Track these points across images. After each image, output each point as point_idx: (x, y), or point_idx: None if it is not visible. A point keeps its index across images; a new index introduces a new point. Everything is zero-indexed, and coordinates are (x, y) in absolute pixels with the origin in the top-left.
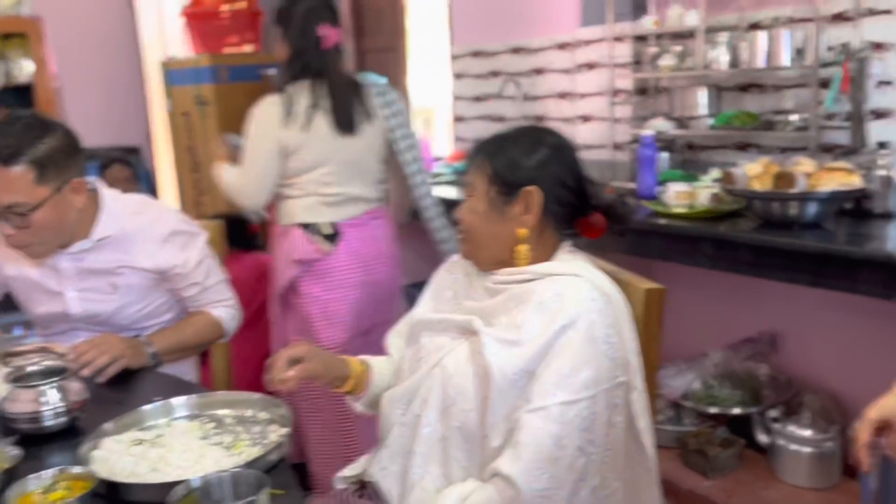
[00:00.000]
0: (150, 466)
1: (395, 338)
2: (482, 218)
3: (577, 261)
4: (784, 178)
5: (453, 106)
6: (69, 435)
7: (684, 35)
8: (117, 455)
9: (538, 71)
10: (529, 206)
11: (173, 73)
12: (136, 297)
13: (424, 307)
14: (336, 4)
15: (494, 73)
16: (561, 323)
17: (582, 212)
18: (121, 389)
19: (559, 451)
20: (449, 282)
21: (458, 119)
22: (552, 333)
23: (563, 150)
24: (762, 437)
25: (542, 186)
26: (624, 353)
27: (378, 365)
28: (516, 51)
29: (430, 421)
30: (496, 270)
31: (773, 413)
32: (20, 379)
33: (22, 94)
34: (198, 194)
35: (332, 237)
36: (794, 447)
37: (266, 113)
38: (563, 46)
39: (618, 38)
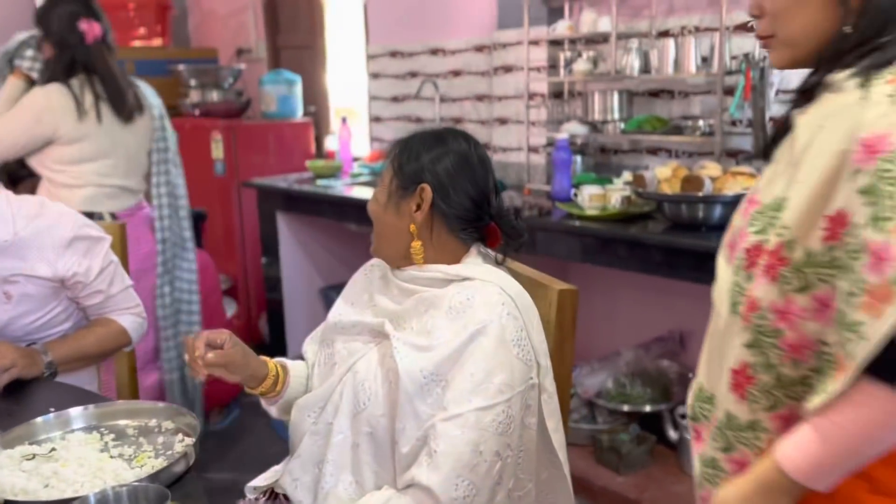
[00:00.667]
0: (42, 482)
1: (310, 343)
2: (382, 209)
3: (486, 265)
4: (692, 182)
5: (370, 106)
6: None
7: (597, 40)
8: (7, 470)
9: (455, 73)
10: (421, 203)
11: None
12: (32, 307)
13: (338, 310)
14: (96, 3)
15: (412, 74)
16: (471, 329)
17: (479, 220)
18: (11, 401)
19: (477, 457)
20: (365, 284)
21: (376, 119)
22: (463, 339)
23: (466, 155)
24: (672, 434)
25: (435, 186)
26: (534, 356)
27: (295, 368)
28: (434, 52)
29: (342, 428)
30: (405, 268)
31: (682, 409)
32: None
33: None
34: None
35: None
36: None
37: (53, 100)
38: (480, 49)
39: (533, 42)
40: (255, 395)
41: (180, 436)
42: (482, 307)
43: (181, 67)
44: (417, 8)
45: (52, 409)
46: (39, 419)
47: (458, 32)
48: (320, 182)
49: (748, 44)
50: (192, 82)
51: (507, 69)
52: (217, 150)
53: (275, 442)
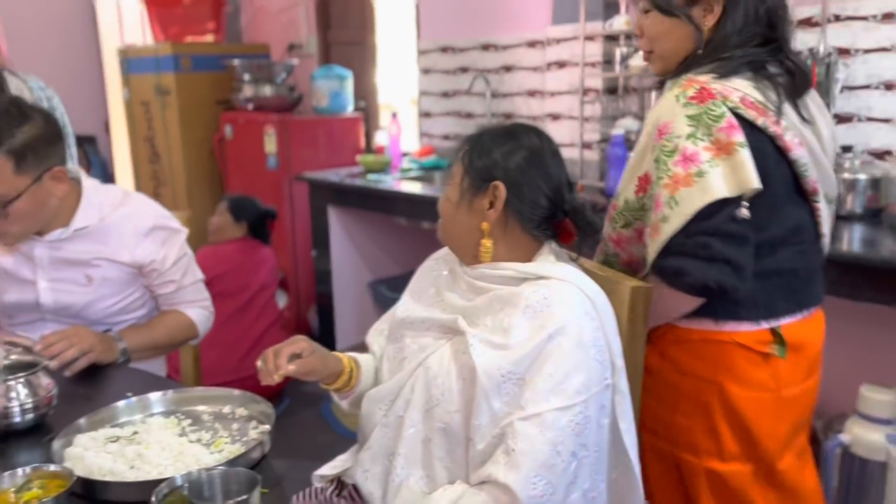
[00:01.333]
0: (127, 464)
1: (375, 336)
2: (453, 207)
3: (560, 263)
4: None
5: (420, 102)
6: (37, 431)
7: None
8: (93, 452)
9: (507, 68)
10: (494, 200)
11: (132, 62)
12: (111, 291)
13: (406, 306)
14: None
15: (463, 69)
16: (550, 329)
17: (553, 217)
18: (89, 385)
19: (555, 457)
20: (431, 279)
21: (425, 115)
22: (541, 339)
23: (539, 150)
24: None
25: (509, 183)
26: (610, 357)
27: (365, 362)
28: (486, 47)
29: (413, 422)
30: (476, 265)
31: None
32: None
33: None
34: (156, 185)
35: None
36: None
37: None
38: (533, 44)
39: (589, 37)
40: (318, 388)
41: (254, 423)
42: (560, 307)
43: (235, 62)
44: (470, 4)
45: (130, 394)
46: (121, 403)
47: (511, 28)
48: (370, 177)
49: (813, 38)
50: (246, 77)
51: (561, 64)
52: (270, 145)
53: (324, 432)
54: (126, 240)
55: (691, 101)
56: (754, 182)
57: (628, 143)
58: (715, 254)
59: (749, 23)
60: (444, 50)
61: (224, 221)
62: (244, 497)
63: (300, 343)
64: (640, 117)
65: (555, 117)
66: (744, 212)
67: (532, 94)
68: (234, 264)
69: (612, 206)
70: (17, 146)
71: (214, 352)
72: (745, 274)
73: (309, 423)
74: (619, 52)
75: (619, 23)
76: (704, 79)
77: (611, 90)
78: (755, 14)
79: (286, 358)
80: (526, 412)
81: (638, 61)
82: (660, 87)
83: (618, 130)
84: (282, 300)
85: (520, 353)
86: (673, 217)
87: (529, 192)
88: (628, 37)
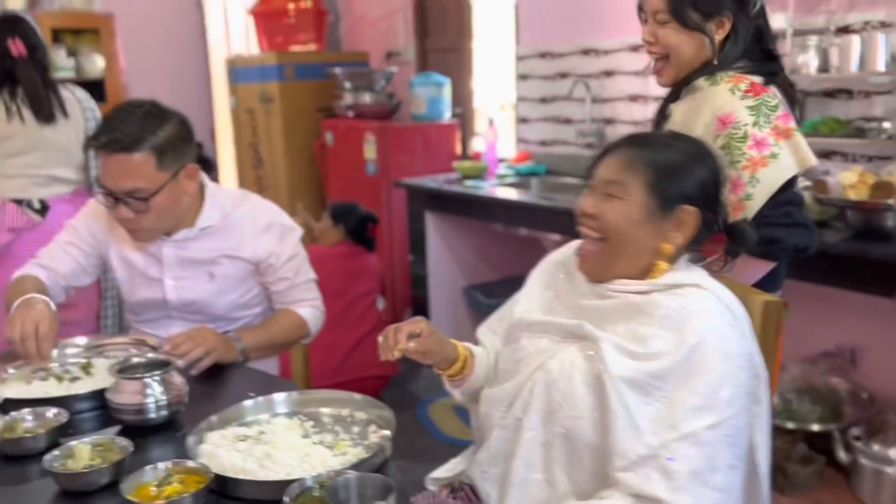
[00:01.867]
0: (257, 463)
1: (488, 333)
2: (634, 226)
3: (694, 271)
4: (882, 188)
5: (517, 107)
6: (170, 427)
7: None
8: (224, 450)
9: (608, 73)
10: (684, 225)
11: (239, 71)
12: (232, 287)
13: (523, 308)
14: (25, 25)
15: (562, 75)
16: (692, 341)
17: (711, 231)
18: (213, 384)
19: (712, 473)
20: (548, 281)
21: (522, 121)
22: (684, 352)
23: (717, 171)
24: (843, 456)
25: (700, 207)
26: (753, 366)
27: (479, 354)
28: (586, 52)
29: (532, 425)
30: (613, 280)
31: (854, 431)
32: (125, 370)
33: (93, 88)
34: (259, 190)
35: (42, 211)
36: (878, 467)
37: None
38: (635, 48)
39: None
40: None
41: (373, 427)
42: (699, 316)
43: (337, 71)
44: (570, 9)
45: (252, 394)
46: (248, 402)
47: (612, 32)
48: (467, 183)
49: None
50: (347, 85)
51: None
52: (370, 151)
53: (421, 435)
54: (246, 236)
55: (748, 94)
56: (813, 159)
57: None
58: (797, 220)
59: (750, 39)
60: (543, 55)
61: (325, 225)
62: (381, 503)
63: (420, 323)
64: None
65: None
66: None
67: (634, 98)
68: (333, 268)
69: None
70: (160, 144)
71: (311, 356)
72: (815, 234)
73: (406, 426)
74: None
75: None
76: (736, 75)
77: None
78: (754, 32)
79: (405, 335)
80: (680, 432)
81: None
82: (673, 97)
83: None
84: (379, 303)
85: (661, 366)
86: (757, 194)
87: (709, 212)
88: None
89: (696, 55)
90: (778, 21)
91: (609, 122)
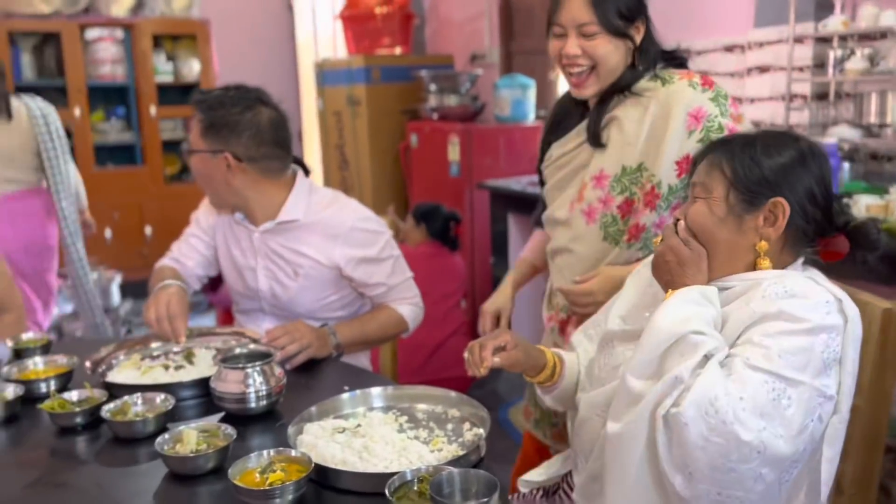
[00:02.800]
0: (356, 455)
1: (582, 338)
2: (718, 224)
3: (810, 271)
4: None
5: None
6: (269, 417)
7: (874, 36)
8: (323, 442)
9: (702, 74)
10: (774, 218)
11: (327, 74)
12: (311, 287)
13: (616, 313)
14: None
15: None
16: (783, 315)
17: (824, 231)
18: (308, 377)
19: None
20: (643, 286)
21: None
22: (770, 312)
23: (813, 156)
24: None
25: (790, 197)
26: (840, 372)
27: (569, 360)
28: None
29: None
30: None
31: None
32: (228, 360)
33: (189, 92)
34: (344, 191)
35: None
36: None
37: None
38: (731, 48)
39: (797, 40)
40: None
41: (467, 424)
42: (801, 299)
43: (423, 73)
44: (662, 8)
45: (346, 387)
46: (345, 395)
47: (707, 32)
48: None
49: None
50: (432, 87)
51: (763, 69)
52: (454, 153)
53: (502, 438)
54: (322, 240)
55: (705, 87)
56: None
57: (842, 152)
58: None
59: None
60: None
61: (408, 225)
62: (485, 500)
63: (504, 336)
64: (858, 125)
65: (755, 124)
66: None
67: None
68: (416, 268)
69: (654, 198)
70: (216, 118)
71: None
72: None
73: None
74: (832, 55)
75: (835, 23)
76: (683, 70)
77: (821, 96)
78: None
79: (491, 350)
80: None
81: (855, 64)
82: (603, 105)
83: (830, 139)
84: (463, 305)
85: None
86: None
87: (812, 207)
88: (843, 38)
89: (621, 62)
90: (886, 18)
91: None
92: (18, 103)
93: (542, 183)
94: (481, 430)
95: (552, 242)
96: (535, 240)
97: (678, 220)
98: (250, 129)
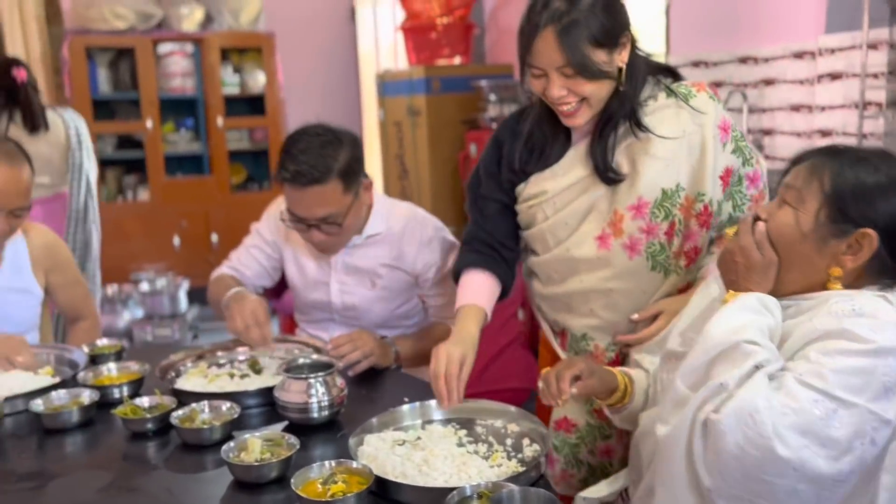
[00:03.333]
0: (416, 469)
1: (647, 356)
2: (800, 239)
3: (890, 291)
4: None
5: None
6: (331, 428)
7: None
8: (384, 454)
9: (768, 81)
10: (859, 247)
11: (388, 85)
12: (389, 297)
13: (677, 331)
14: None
15: (716, 84)
16: (847, 333)
17: None
18: (369, 387)
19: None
20: (708, 301)
21: None
22: (834, 329)
23: None
24: None
25: (882, 234)
26: None
27: (637, 379)
28: (743, 60)
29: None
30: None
31: None
32: (292, 370)
33: (254, 103)
34: (404, 201)
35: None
36: None
37: None
38: (800, 55)
39: (872, 46)
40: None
41: (527, 440)
42: (870, 319)
43: (483, 83)
44: (727, 14)
45: (406, 399)
46: (405, 407)
47: (774, 38)
48: None
49: None
50: (492, 97)
51: (835, 76)
52: None
53: None
54: (409, 248)
55: (716, 96)
56: None
57: None
58: None
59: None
60: (696, 64)
61: None
62: None
63: (579, 364)
64: None
65: (825, 133)
66: None
67: (797, 108)
68: None
69: (708, 217)
70: (343, 168)
71: None
72: None
73: None
74: None
75: None
76: (689, 81)
77: None
78: None
79: (569, 381)
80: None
81: None
82: (602, 132)
83: None
84: (520, 316)
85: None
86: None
87: None
88: None
89: (608, 90)
90: None
91: (768, 133)
92: (54, 115)
93: (514, 223)
94: (540, 448)
95: (566, 285)
96: (482, 285)
97: (757, 218)
98: (355, 154)
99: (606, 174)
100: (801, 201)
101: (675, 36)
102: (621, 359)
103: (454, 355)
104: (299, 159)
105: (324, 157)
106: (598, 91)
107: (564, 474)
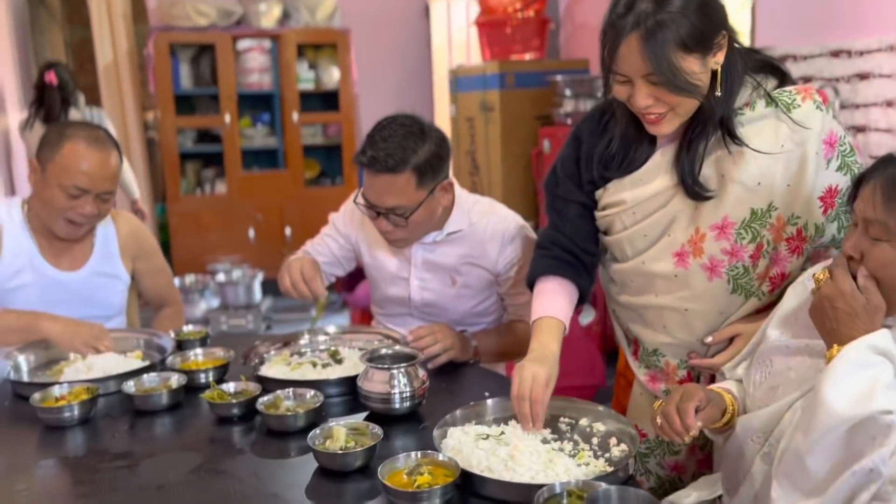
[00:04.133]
0: (502, 464)
1: (736, 368)
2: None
3: None
4: None
5: None
6: (412, 419)
7: None
8: (469, 447)
9: (862, 76)
10: None
11: (461, 80)
12: (469, 295)
13: (774, 325)
14: (63, 66)
15: (805, 79)
16: None
17: None
18: (449, 380)
19: None
20: (803, 299)
21: None
22: None
23: None
24: None
25: None
26: None
27: (739, 395)
28: (835, 54)
29: None
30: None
31: None
32: (374, 360)
33: (329, 98)
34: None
35: None
36: None
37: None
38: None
39: None
40: None
41: (614, 440)
42: None
43: (558, 78)
44: (818, 5)
45: (487, 394)
46: (489, 402)
47: (869, 30)
48: None
49: None
50: (567, 92)
51: None
52: None
53: None
54: (492, 246)
55: (824, 104)
56: None
57: None
58: None
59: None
60: (784, 58)
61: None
62: None
63: (698, 394)
64: None
65: None
66: None
67: (892, 104)
68: None
69: (801, 242)
70: (420, 163)
71: None
72: None
73: None
74: None
75: None
76: (795, 87)
77: None
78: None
79: (692, 415)
80: None
81: None
82: (691, 143)
83: None
84: (589, 315)
85: None
86: None
87: None
88: None
89: (706, 90)
90: None
91: (861, 129)
92: (77, 113)
93: (594, 226)
94: (629, 448)
95: (642, 298)
96: (559, 294)
97: (851, 257)
98: (438, 152)
99: (692, 188)
100: (889, 234)
101: (761, 29)
102: (694, 377)
103: (540, 377)
104: (379, 145)
105: (403, 147)
106: (688, 101)
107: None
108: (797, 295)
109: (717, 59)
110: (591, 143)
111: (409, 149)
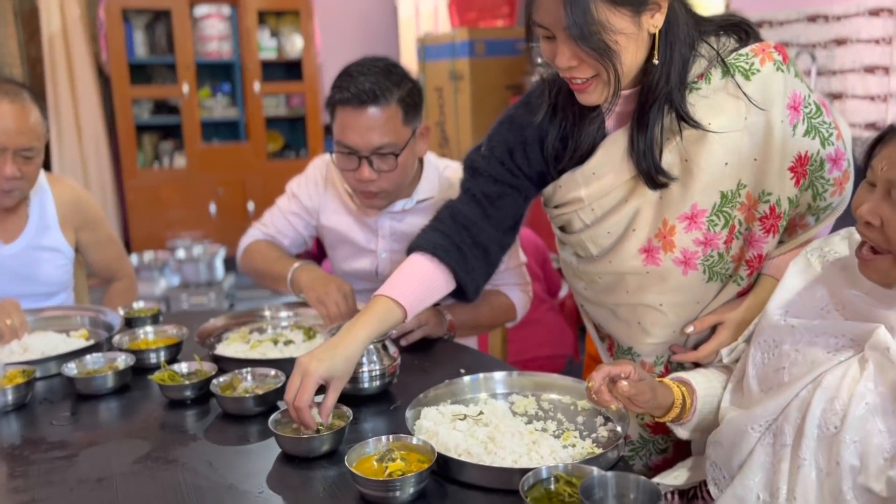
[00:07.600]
0: (481, 446)
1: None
2: None
3: None
4: None
5: None
6: (383, 399)
7: None
8: (444, 429)
9: (839, 41)
10: None
11: (429, 49)
12: None
13: (777, 305)
14: None
15: (783, 44)
16: None
17: None
18: (423, 357)
19: None
20: (817, 277)
21: None
22: None
23: None
24: None
25: None
26: None
27: (702, 386)
28: (812, 18)
29: (805, 454)
30: None
31: None
32: None
33: (291, 68)
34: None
35: None
36: None
37: None
38: (876, 12)
39: None
40: None
41: (600, 419)
42: None
43: (532, 46)
44: None
45: (463, 371)
46: (466, 379)
47: None
48: None
49: None
50: (539, 60)
51: None
52: None
53: None
54: None
55: (784, 63)
56: None
57: None
58: None
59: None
60: (760, 24)
61: None
62: None
63: (626, 366)
64: None
65: None
66: None
67: (871, 70)
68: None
69: (776, 220)
70: (405, 96)
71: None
72: None
73: None
74: None
75: None
76: (751, 47)
77: None
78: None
79: (602, 381)
80: None
81: None
82: (641, 123)
83: None
84: (566, 288)
85: None
86: (849, 153)
87: None
88: None
89: (639, 56)
90: None
91: (838, 97)
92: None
93: (521, 215)
94: (618, 428)
95: (612, 296)
96: (422, 277)
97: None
98: (418, 89)
99: (655, 177)
100: None
101: None
102: (672, 370)
103: (310, 380)
104: (359, 80)
105: (387, 80)
106: (610, 67)
107: None
108: (800, 272)
109: (655, 22)
110: (538, 130)
111: (392, 82)
